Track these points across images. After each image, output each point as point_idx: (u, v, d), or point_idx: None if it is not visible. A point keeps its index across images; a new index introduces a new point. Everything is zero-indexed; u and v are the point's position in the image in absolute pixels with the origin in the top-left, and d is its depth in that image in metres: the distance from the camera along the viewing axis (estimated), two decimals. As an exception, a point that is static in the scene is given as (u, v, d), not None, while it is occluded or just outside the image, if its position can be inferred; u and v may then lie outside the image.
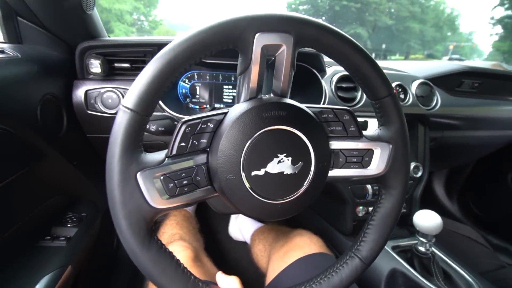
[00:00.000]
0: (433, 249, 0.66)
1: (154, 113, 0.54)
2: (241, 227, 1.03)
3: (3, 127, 0.42)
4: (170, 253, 0.30)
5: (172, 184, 0.29)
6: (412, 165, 0.83)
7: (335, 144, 0.35)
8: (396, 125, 0.35)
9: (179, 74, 0.28)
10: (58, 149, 0.58)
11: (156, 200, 0.28)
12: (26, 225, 0.52)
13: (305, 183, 0.32)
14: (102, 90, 0.61)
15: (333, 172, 0.36)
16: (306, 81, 0.73)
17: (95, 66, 0.60)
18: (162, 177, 0.29)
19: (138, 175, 0.28)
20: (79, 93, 0.60)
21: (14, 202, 0.50)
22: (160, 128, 0.57)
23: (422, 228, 0.62)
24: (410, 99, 0.80)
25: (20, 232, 0.51)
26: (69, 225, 0.61)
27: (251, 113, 0.30)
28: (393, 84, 0.79)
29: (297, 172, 0.32)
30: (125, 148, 0.27)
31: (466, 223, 1.25)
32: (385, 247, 0.71)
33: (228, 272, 0.39)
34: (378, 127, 0.37)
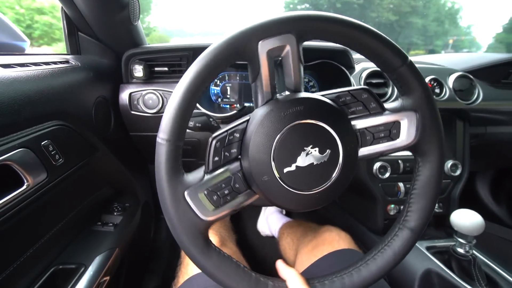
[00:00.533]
0: (474, 251, 0.61)
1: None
2: (269, 222, 1.05)
3: (66, 124, 0.50)
4: (229, 256, 0.34)
5: (215, 196, 0.32)
6: (450, 163, 0.78)
7: (359, 124, 0.35)
8: (417, 91, 0.34)
9: (200, 96, 0.32)
10: (107, 145, 0.66)
11: (205, 213, 0.32)
12: (81, 211, 0.60)
13: (337, 168, 0.33)
14: (144, 92, 0.67)
15: (363, 151, 0.36)
16: (335, 78, 0.73)
17: (138, 70, 0.67)
18: (206, 192, 0.32)
19: (186, 194, 0.31)
20: (124, 95, 0.68)
21: (75, 190, 0.57)
22: (197, 124, 0.62)
23: (461, 228, 0.58)
24: (446, 93, 0.76)
25: (77, 216, 0.58)
26: (115, 214, 0.69)
27: (270, 115, 0.32)
28: (427, 78, 0.75)
29: (326, 160, 0.33)
30: (169, 174, 0.31)
31: None
32: (419, 246, 0.69)
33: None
34: (400, 97, 0.37)
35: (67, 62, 0.54)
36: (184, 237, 0.31)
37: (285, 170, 0.32)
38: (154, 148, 0.31)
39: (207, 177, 0.33)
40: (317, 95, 0.34)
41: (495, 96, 0.81)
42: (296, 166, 0.32)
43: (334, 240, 0.59)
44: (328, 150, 0.33)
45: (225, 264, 0.33)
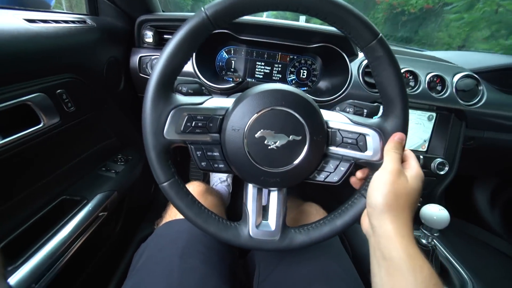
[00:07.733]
0: (436, 242, 0.65)
1: (186, 78, 0.63)
2: None
3: (79, 78, 0.57)
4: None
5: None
6: (437, 161, 0.79)
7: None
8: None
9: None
10: (116, 101, 0.73)
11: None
12: (90, 156, 0.69)
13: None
14: (153, 57, 0.73)
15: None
16: (336, 63, 0.75)
17: (149, 36, 0.72)
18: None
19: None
20: (135, 58, 0.74)
21: (86, 137, 0.66)
22: (189, 91, 0.68)
23: (428, 221, 0.61)
24: (447, 92, 0.75)
25: (86, 159, 0.68)
26: (118, 163, 0.78)
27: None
28: (429, 75, 0.74)
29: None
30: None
31: (509, 241, 1.13)
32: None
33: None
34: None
35: (84, 22, 0.60)
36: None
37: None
38: None
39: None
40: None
41: (500, 101, 0.79)
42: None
43: (312, 214, 0.65)
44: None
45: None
